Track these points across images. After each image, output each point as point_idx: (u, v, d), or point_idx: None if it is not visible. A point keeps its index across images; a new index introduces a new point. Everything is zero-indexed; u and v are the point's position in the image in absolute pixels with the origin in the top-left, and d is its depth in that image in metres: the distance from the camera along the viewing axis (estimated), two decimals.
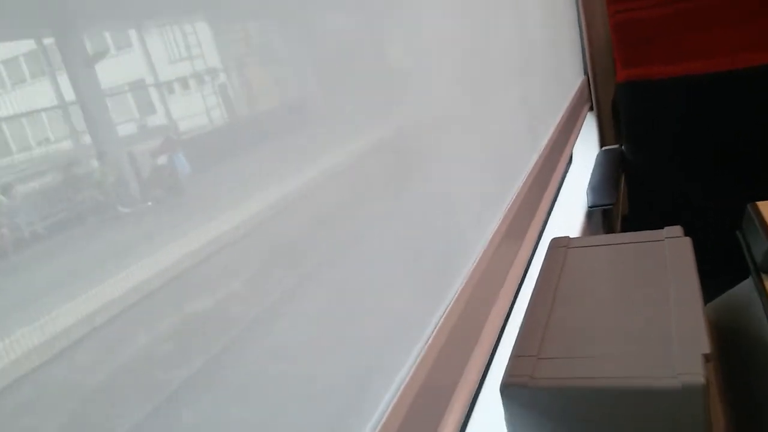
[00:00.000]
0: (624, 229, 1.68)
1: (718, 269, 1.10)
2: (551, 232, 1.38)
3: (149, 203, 0.33)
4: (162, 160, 0.34)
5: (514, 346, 0.73)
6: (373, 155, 0.56)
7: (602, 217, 1.56)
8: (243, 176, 0.39)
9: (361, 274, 0.52)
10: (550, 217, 1.46)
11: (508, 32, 1.07)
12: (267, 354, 0.39)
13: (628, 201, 1.71)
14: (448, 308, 0.66)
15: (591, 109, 1.86)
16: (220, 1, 0.39)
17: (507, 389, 0.68)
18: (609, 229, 1.60)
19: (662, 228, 0.93)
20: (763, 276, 0.77)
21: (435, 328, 0.63)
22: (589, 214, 1.46)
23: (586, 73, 1.85)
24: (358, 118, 0.55)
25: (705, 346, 0.64)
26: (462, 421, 0.62)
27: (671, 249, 0.85)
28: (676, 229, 0.90)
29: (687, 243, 0.86)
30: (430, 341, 0.61)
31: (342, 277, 0.49)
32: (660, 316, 0.71)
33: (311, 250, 0.45)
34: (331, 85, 0.51)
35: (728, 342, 0.87)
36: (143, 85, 0.33)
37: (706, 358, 0.63)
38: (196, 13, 0.38)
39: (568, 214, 1.45)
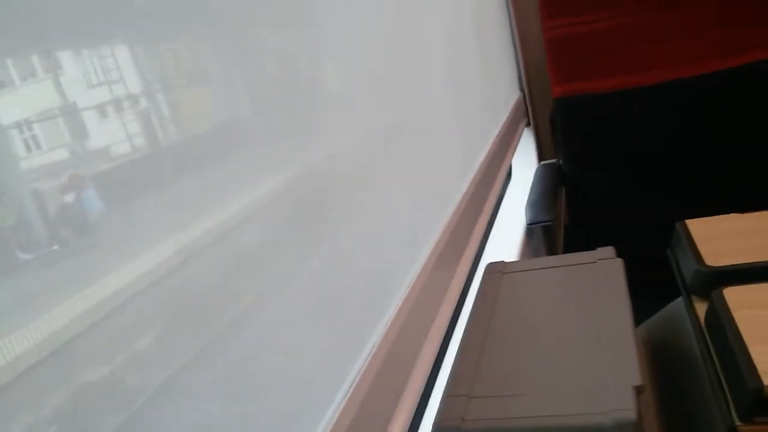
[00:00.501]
0: (566, 243, 1.69)
1: (653, 286, 1.10)
2: (491, 252, 1.37)
3: (55, 247, 0.30)
4: (70, 197, 0.31)
5: (446, 385, 0.70)
6: (286, 192, 0.52)
7: (543, 233, 1.56)
8: (160, 213, 0.36)
9: (277, 319, 0.48)
10: (490, 235, 1.45)
11: (438, 52, 1.05)
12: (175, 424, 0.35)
13: (568, 214, 1.71)
14: (375, 348, 0.63)
15: (528, 124, 1.87)
16: (136, 21, 0.36)
17: None
18: (551, 244, 1.61)
19: (601, 243, 0.93)
20: (693, 297, 0.76)
21: (360, 371, 0.59)
22: (530, 231, 1.46)
23: (522, 89, 1.86)
24: (277, 147, 0.51)
25: (636, 378, 0.62)
26: None
27: (603, 271, 0.84)
28: (608, 250, 0.89)
29: (619, 265, 0.85)
30: (354, 386, 0.57)
31: (256, 328, 0.45)
32: (591, 347, 0.69)
33: (227, 298, 0.42)
34: (252, 109, 0.48)
35: (664, 361, 0.86)
36: (51, 115, 0.31)
37: (638, 390, 0.61)
38: (114, 35, 0.35)
39: (510, 231, 1.44)
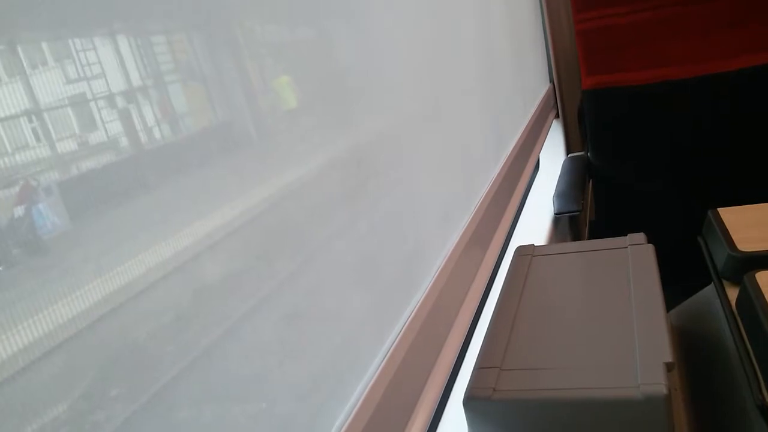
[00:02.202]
0: (591, 235, 1.69)
1: (684, 274, 1.10)
2: (519, 239, 1.38)
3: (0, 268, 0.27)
4: (19, 211, 0.28)
5: (477, 358, 0.72)
6: (327, 171, 0.54)
7: (569, 223, 1.57)
8: (136, 225, 0.32)
9: (317, 290, 0.50)
10: (518, 224, 1.46)
11: (471, 41, 1.07)
12: (212, 386, 0.37)
13: (594, 207, 1.72)
14: (408, 320, 0.65)
15: (557, 116, 1.87)
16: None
17: (469, 402, 0.66)
18: (576, 235, 1.61)
19: (627, 234, 0.93)
20: (724, 282, 0.77)
21: (394, 341, 0.61)
22: (556, 221, 1.46)
23: (551, 81, 1.86)
24: (310, 135, 0.53)
25: (667, 354, 0.63)
26: None
27: (634, 256, 0.85)
28: (639, 236, 0.90)
29: (650, 250, 0.86)
30: (389, 355, 0.59)
31: (296, 297, 0.47)
32: (622, 325, 0.70)
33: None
34: (303, 97, 0.50)
35: (692, 347, 0.87)
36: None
37: (668, 367, 0.62)
38: (84, 26, 0.32)
39: (536, 221, 1.45)
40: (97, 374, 0.30)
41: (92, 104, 0.32)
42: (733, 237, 0.79)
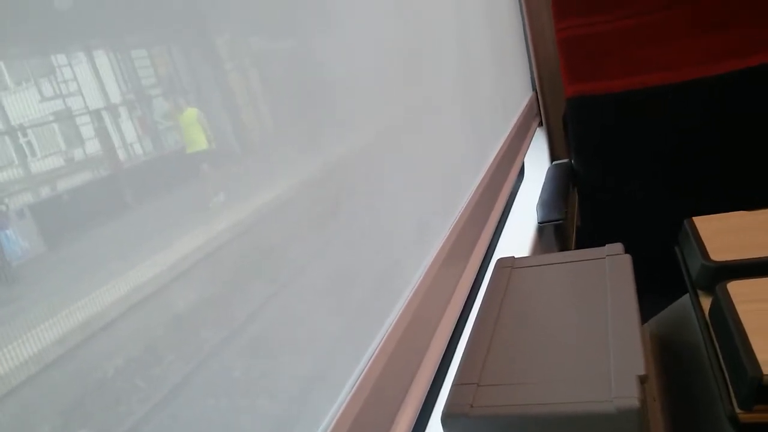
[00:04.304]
0: (578, 242, 1.70)
1: (672, 281, 1.11)
2: (503, 249, 1.38)
3: None
4: None
5: (456, 374, 0.73)
6: (303, 189, 0.55)
7: (555, 231, 1.57)
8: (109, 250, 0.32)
9: (286, 315, 0.50)
10: (503, 234, 1.46)
11: (450, 51, 1.07)
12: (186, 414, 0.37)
13: (580, 214, 1.73)
14: (384, 338, 0.65)
15: (540, 124, 1.88)
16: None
17: (447, 420, 0.67)
18: (563, 243, 1.62)
19: (612, 242, 0.94)
20: (699, 292, 0.78)
21: (369, 360, 0.61)
22: (541, 230, 1.47)
23: (534, 89, 1.87)
24: (282, 153, 0.53)
25: (640, 367, 0.64)
26: None
27: (611, 267, 0.86)
28: (617, 247, 0.91)
29: (627, 260, 0.87)
30: (363, 375, 0.59)
31: (264, 323, 0.47)
32: (598, 338, 0.71)
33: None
34: (250, 119, 0.50)
35: (671, 356, 0.87)
36: None
37: (641, 379, 0.63)
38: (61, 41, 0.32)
39: (522, 230, 1.46)
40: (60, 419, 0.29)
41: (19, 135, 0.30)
42: (707, 246, 0.80)
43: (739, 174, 1.50)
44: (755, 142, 1.49)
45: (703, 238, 0.82)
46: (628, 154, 1.60)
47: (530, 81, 1.87)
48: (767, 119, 1.48)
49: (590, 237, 1.68)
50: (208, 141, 0.42)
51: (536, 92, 1.86)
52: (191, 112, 0.42)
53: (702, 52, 1.53)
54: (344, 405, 0.55)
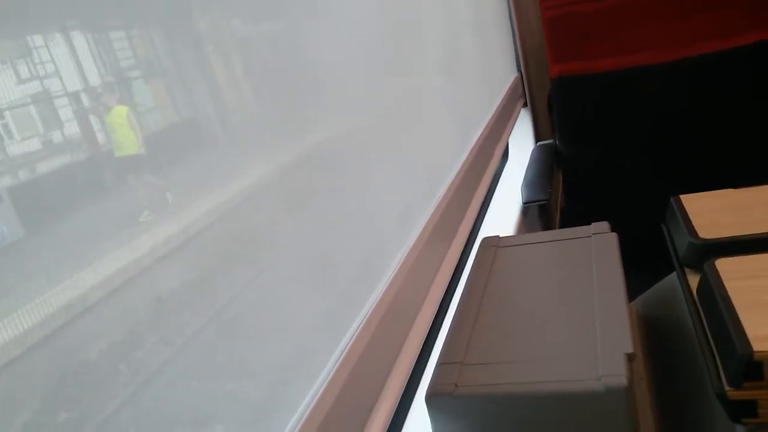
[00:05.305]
0: (562, 223, 1.69)
1: (658, 259, 1.10)
2: (488, 230, 1.37)
3: None
4: None
5: (440, 353, 0.71)
6: (287, 170, 0.52)
7: (539, 212, 1.56)
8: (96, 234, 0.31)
9: (266, 296, 0.48)
10: (487, 214, 1.45)
11: (434, 30, 1.05)
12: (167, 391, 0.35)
13: (564, 194, 1.72)
14: (366, 318, 0.63)
15: (525, 105, 1.86)
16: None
17: (432, 399, 0.65)
18: (547, 224, 1.61)
19: (596, 221, 0.93)
20: (686, 270, 0.77)
21: (350, 340, 0.60)
22: (526, 210, 1.46)
23: (519, 69, 1.85)
24: (264, 138, 0.51)
25: (627, 345, 0.63)
26: None
27: (597, 245, 0.85)
28: (603, 225, 0.90)
29: (613, 239, 0.85)
30: (344, 355, 0.58)
31: (250, 298, 0.45)
32: (584, 316, 0.70)
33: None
34: (231, 101, 0.48)
35: (659, 335, 0.87)
36: None
37: (629, 357, 0.62)
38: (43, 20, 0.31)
39: (506, 210, 1.45)
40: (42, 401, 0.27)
41: None
42: (695, 224, 0.79)
43: (722, 152, 1.50)
44: (736, 121, 1.49)
45: (690, 216, 0.81)
46: (614, 134, 1.59)
47: (515, 61, 1.85)
48: (749, 98, 1.48)
49: (575, 217, 1.67)
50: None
51: (521, 73, 1.84)
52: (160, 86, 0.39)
53: (685, 33, 1.52)
54: (325, 384, 0.53)
